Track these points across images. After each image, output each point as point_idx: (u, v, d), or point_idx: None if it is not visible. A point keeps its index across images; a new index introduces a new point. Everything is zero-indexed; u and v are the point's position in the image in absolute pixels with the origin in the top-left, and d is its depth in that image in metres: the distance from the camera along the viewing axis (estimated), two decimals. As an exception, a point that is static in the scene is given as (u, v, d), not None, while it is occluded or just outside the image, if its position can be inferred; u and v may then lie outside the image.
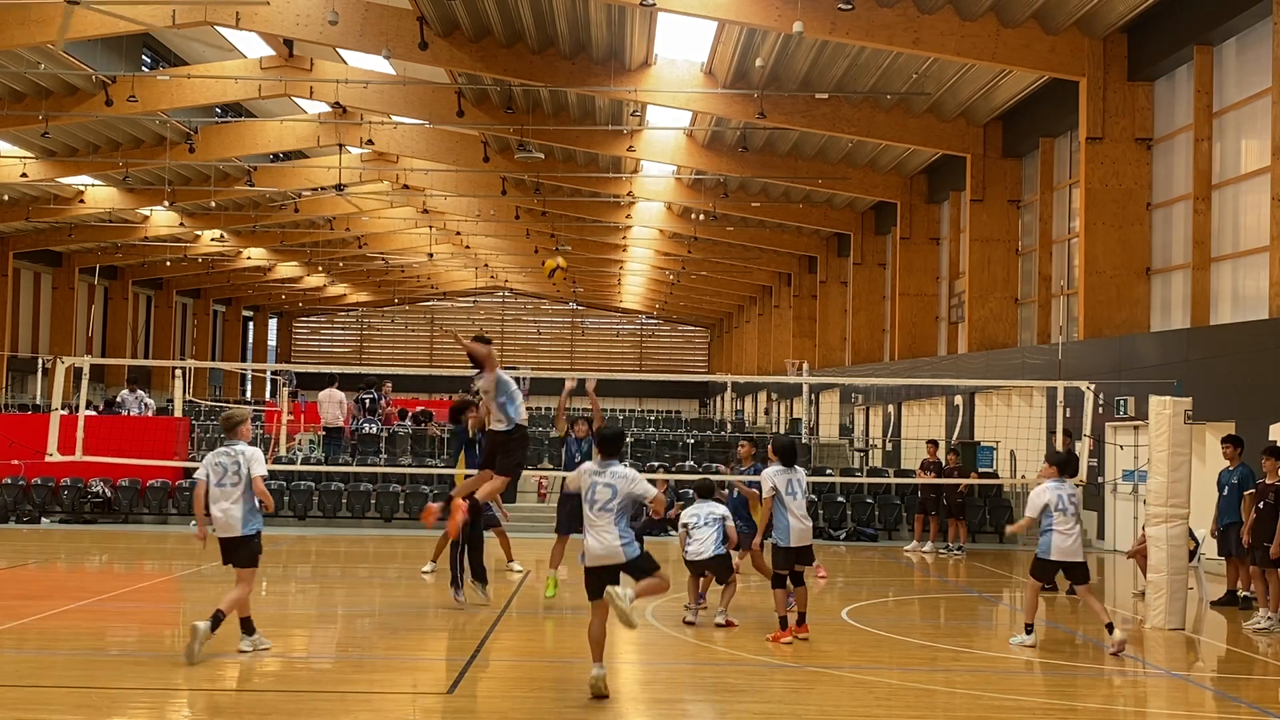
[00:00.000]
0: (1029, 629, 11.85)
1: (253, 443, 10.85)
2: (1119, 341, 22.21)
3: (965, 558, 20.82)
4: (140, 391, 27.33)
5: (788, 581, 11.82)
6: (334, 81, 29.56)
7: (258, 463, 10.51)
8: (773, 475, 11.72)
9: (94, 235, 48.41)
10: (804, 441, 33.62)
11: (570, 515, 13.37)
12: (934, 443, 22.77)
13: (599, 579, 9.20)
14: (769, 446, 12.27)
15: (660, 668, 10.51)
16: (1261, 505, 13.54)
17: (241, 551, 10.78)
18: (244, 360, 74.70)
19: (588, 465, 9.68)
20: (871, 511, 23.90)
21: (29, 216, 43.70)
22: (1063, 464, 12.07)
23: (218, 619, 10.37)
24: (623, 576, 9.25)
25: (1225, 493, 14.71)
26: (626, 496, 9.28)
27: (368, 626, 13.09)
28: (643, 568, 9.33)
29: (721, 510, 12.50)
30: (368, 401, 28.40)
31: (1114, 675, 10.83)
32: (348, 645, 11.97)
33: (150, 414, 26.94)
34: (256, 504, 10.62)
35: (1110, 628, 11.52)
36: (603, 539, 9.20)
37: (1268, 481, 13.55)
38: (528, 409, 13.74)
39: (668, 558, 13.96)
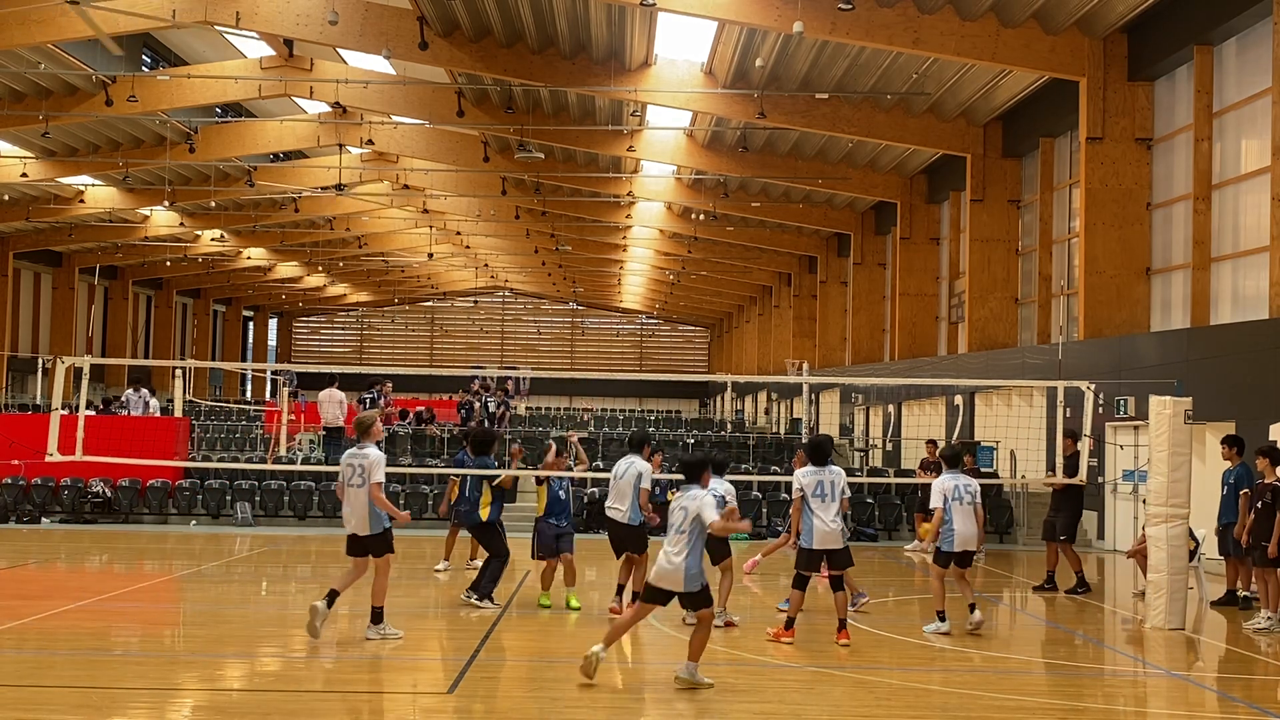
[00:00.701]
0: (941, 616, 12.44)
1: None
2: (1119, 341, 22.21)
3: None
4: (144, 390, 27.35)
5: (813, 583, 12.11)
6: (334, 81, 29.56)
7: (377, 469, 11.07)
8: (803, 476, 11.81)
9: (94, 235, 48.42)
10: (804, 441, 33.65)
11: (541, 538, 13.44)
12: (934, 442, 22.76)
13: (655, 595, 9.73)
14: (800, 449, 12.70)
15: (660, 668, 10.50)
16: (1259, 505, 13.54)
17: (372, 544, 11.29)
18: (244, 360, 74.70)
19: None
20: (871, 511, 23.89)
21: (29, 216, 43.72)
22: (950, 458, 12.86)
23: (333, 596, 11.14)
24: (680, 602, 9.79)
25: (1225, 492, 14.73)
26: (695, 519, 9.59)
27: (368, 626, 13.08)
28: (697, 600, 9.65)
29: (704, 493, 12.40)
30: (368, 401, 28.42)
31: (1114, 675, 10.83)
32: (348, 645, 11.96)
33: (156, 414, 26.94)
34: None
35: (972, 607, 12.43)
36: (672, 560, 9.60)
37: (1265, 481, 13.56)
38: (528, 408, 13.89)
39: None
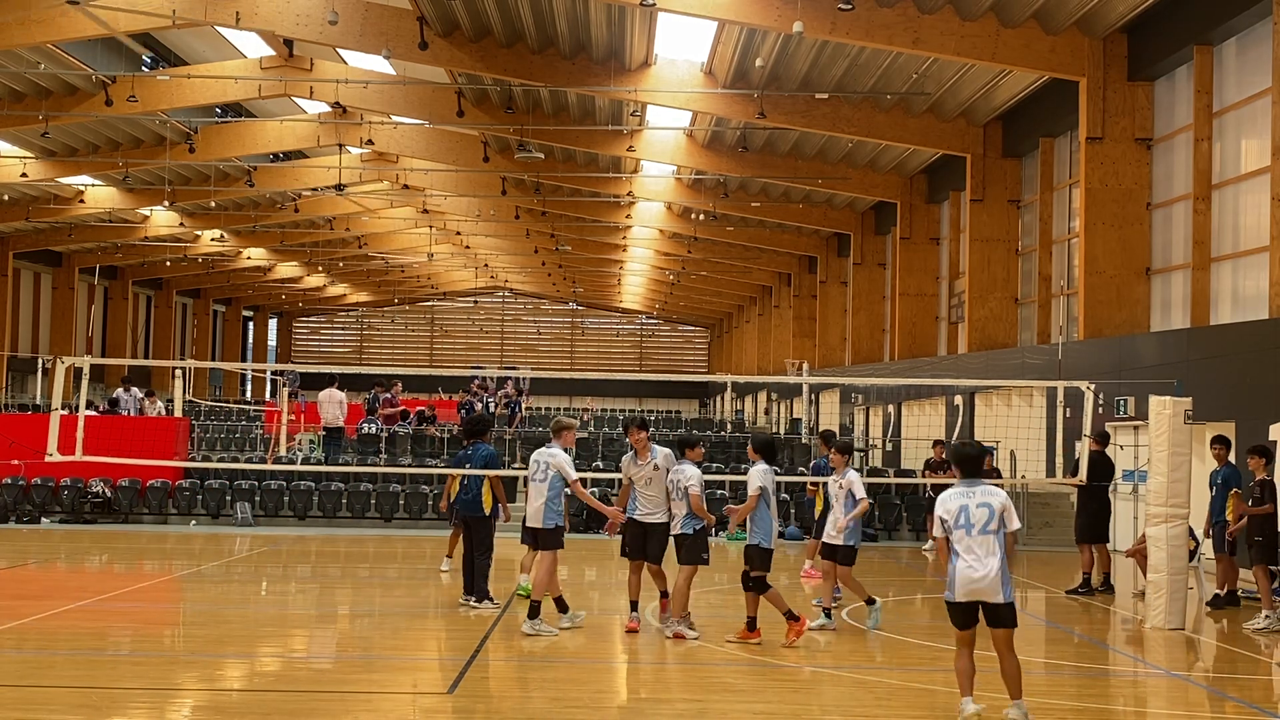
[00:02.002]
0: (827, 613, 12.43)
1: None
2: (1119, 341, 22.21)
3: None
4: (135, 390, 27.33)
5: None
6: (334, 81, 29.56)
7: (567, 466, 12.13)
8: (762, 475, 11.47)
9: (94, 235, 48.42)
10: (804, 441, 33.64)
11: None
12: (941, 443, 22.61)
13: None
14: (749, 444, 12.15)
15: (660, 668, 10.51)
16: (1251, 502, 13.56)
17: (542, 536, 12.09)
18: (244, 360, 74.71)
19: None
20: (871, 511, 23.86)
21: (29, 216, 43.71)
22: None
23: (535, 606, 11.72)
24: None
25: (1214, 492, 14.72)
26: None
27: (368, 626, 13.10)
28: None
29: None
30: (372, 401, 28.49)
31: (1114, 675, 10.83)
32: (348, 645, 11.96)
33: (155, 413, 26.93)
34: (559, 502, 12.11)
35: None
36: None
37: (1257, 478, 13.60)
38: (528, 409, 13.81)
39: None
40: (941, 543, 8.58)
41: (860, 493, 12.49)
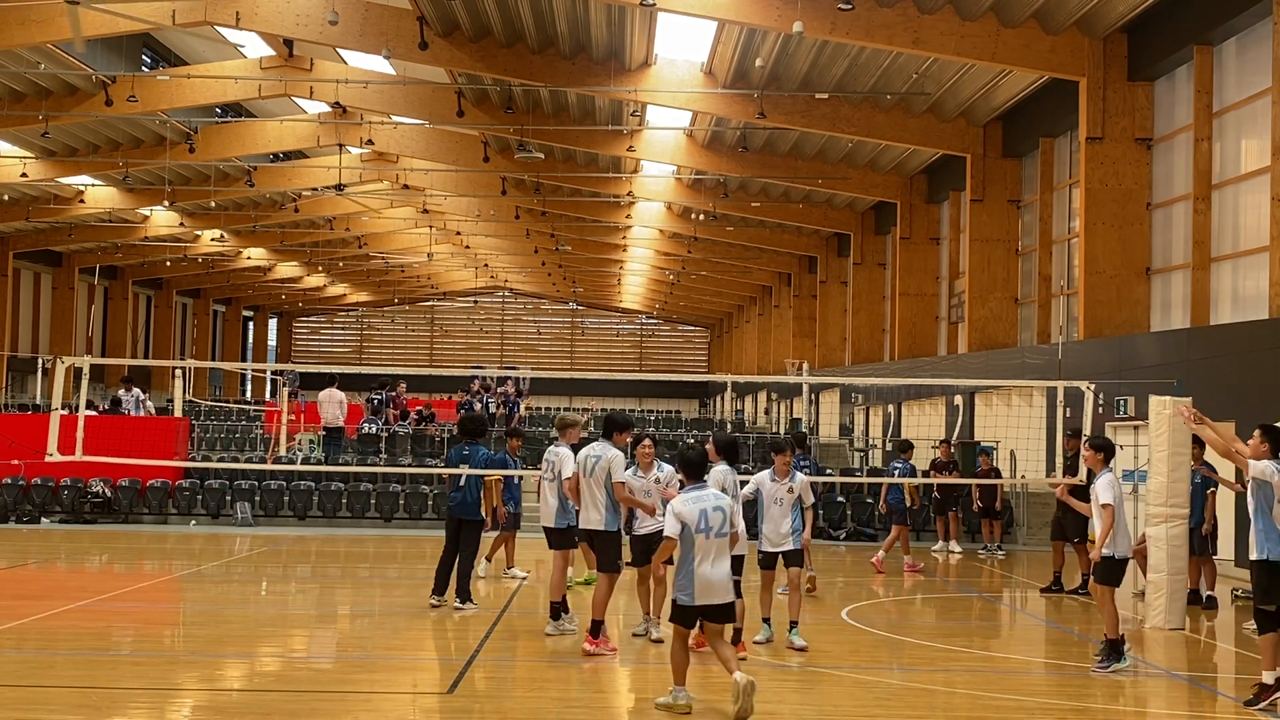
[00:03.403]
0: (766, 622, 11.63)
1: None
2: (1119, 341, 22.21)
3: (980, 556, 20.80)
4: (136, 390, 27.35)
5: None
6: (334, 81, 29.56)
7: (566, 464, 11.65)
8: (723, 476, 10.95)
9: (94, 235, 48.41)
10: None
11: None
12: (946, 442, 22.56)
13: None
14: (710, 443, 11.42)
15: (661, 668, 10.49)
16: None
17: (553, 536, 11.95)
18: (244, 360, 74.71)
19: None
20: (871, 511, 23.88)
21: (29, 216, 43.70)
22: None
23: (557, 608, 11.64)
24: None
25: (1190, 492, 14.67)
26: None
27: (368, 626, 13.10)
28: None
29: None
30: (376, 402, 28.46)
31: (1114, 675, 10.82)
32: (348, 645, 11.96)
33: (147, 414, 26.94)
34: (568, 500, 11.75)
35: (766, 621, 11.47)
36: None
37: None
38: (527, 409, 13.60)
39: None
40: (670, 545, 8.93)
41: (810, 499, 11.80)
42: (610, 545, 11.22)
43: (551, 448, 12.13)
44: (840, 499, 24.06)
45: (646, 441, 11.71)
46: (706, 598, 8.70)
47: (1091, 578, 11.54)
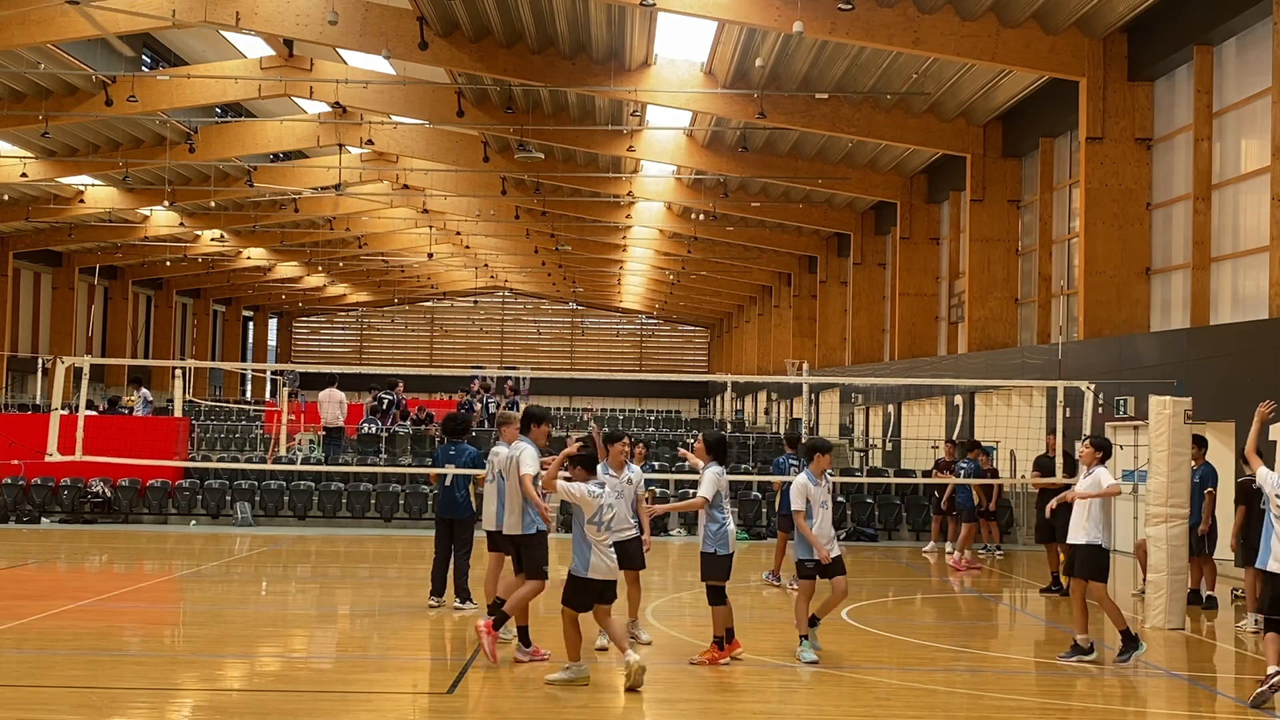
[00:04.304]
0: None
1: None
2: (1119, 341, 22.21)
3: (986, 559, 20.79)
4: (144, 390, 27.47)
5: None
6: (334, 81, 29.56)
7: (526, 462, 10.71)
8: (718, 476, 10.66)
9: (94, 235, 48.42)
10: (804, 441, 33.60)
11: None
12: (952, 442, 22.52)
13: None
14: (699, 440, 11.05)
15: (660, 668, 10.50)
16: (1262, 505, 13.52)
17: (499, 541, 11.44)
18: (244, 360, 74.72)
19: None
20: (871, 511, 23.90)
21: (29, 216, 43.70)
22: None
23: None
24: None
25: (1189, 492, 14.71)
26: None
27: (368, 626, 13.10)
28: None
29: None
30: (384, 403, 28.40)
31: (1114, 675, 10.83)
32: (348, 645, 11.96)
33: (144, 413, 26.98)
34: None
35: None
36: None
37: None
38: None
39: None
40: (703, 503, 10.41)
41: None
42: (536, 548, 10.67)
43: (494, 448, 11.32)
44: (840, 499, 24.05)
45: (625, 440, 11.18)
46: (599, 574, 9.53)
47: (1067, 575, 11.63)
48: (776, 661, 10.79)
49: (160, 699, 9.08)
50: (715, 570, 10.63)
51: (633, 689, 9.28)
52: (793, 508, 10.82)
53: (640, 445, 12.44)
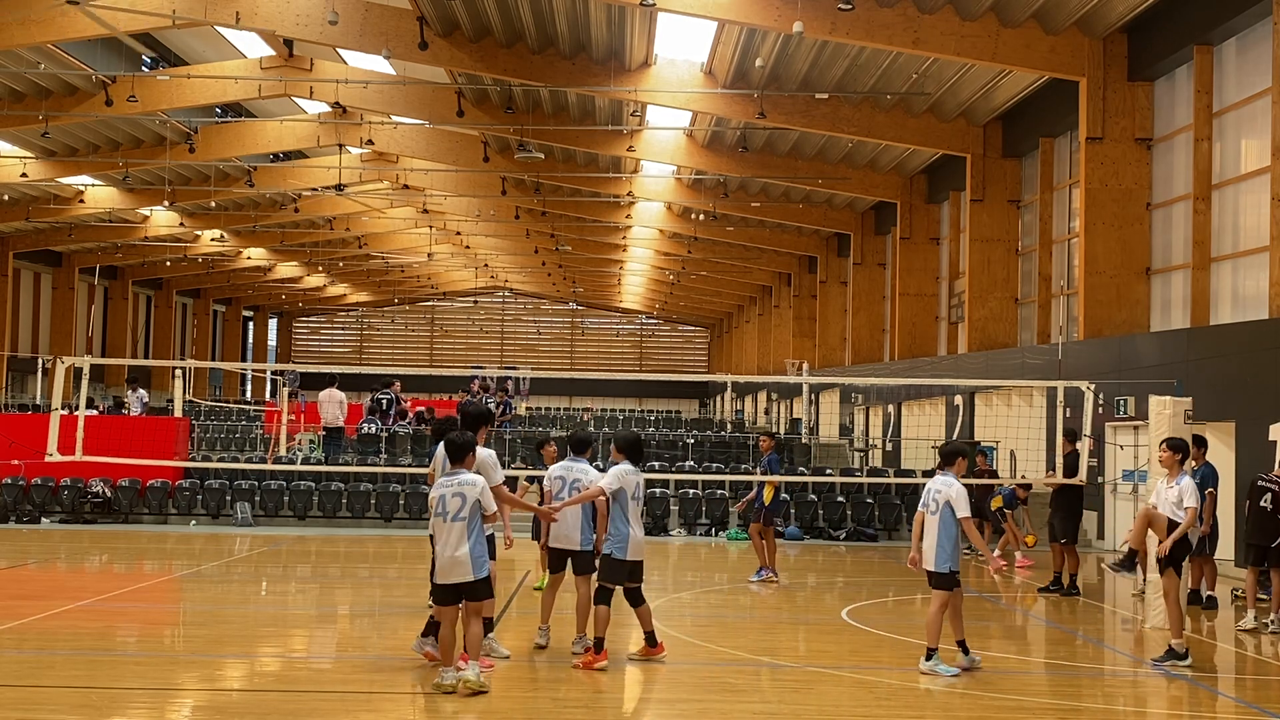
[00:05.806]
0: (962, 645, 10.52)
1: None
2: (1119, 341, 22.21)
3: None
4: (141, 390, 27.44)
5: (612, 599, 10.35)
6: (334, 81, 29.56)
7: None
8: (623, 475, 10.30)
9: (94, 235, 48.43)
10: (804, 441, 33.67)
11: None
12: (982, 453, 22.48)
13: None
14: (613, 443, 10.75)
15: (660, 668, 10.50)
16: (1263, 503, 13.55)
17: (577, 560, 10.91)
18: (244, 360, 74.73)
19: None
20: (871, 511, 23.89)
21: (29, 216, 43.72)
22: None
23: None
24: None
25: None
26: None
27: (368, 626, 13.10)
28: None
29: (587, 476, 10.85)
30: (384, 402, 28.36)
31: (1114, 675, 10.83)
32: (348, 645, 11.96)
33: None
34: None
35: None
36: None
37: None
38: (527, 409, 13.27)
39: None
40: (605, 504, 10.12)
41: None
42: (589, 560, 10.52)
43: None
44: (840, 499, 24.05)
45: (550, 444, 11.14)
46: (443, 577, 9.31)
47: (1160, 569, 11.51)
48: (777, 662, 10.79)
49: (160, 699, 9.08)
50: (612, 573, 10.30)
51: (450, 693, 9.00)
52: (960, 514, 10.17)
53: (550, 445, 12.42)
